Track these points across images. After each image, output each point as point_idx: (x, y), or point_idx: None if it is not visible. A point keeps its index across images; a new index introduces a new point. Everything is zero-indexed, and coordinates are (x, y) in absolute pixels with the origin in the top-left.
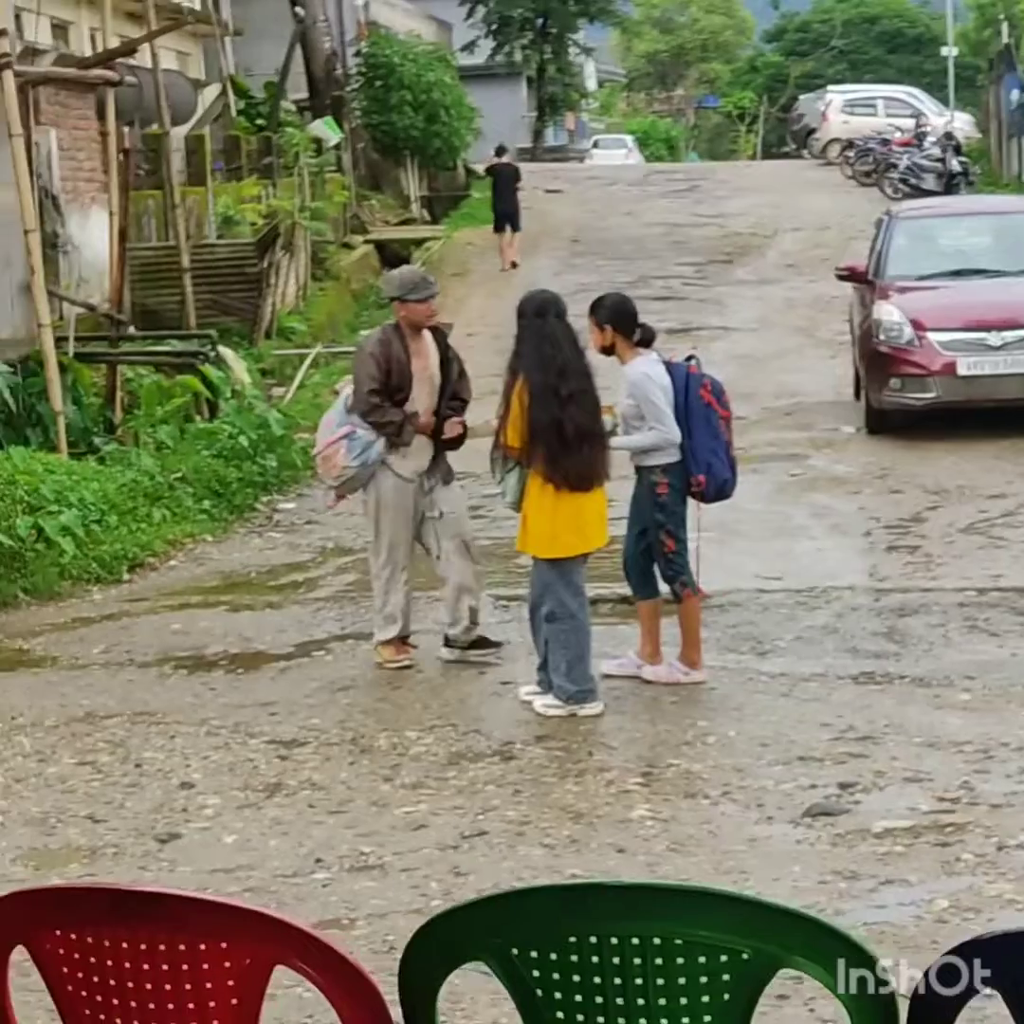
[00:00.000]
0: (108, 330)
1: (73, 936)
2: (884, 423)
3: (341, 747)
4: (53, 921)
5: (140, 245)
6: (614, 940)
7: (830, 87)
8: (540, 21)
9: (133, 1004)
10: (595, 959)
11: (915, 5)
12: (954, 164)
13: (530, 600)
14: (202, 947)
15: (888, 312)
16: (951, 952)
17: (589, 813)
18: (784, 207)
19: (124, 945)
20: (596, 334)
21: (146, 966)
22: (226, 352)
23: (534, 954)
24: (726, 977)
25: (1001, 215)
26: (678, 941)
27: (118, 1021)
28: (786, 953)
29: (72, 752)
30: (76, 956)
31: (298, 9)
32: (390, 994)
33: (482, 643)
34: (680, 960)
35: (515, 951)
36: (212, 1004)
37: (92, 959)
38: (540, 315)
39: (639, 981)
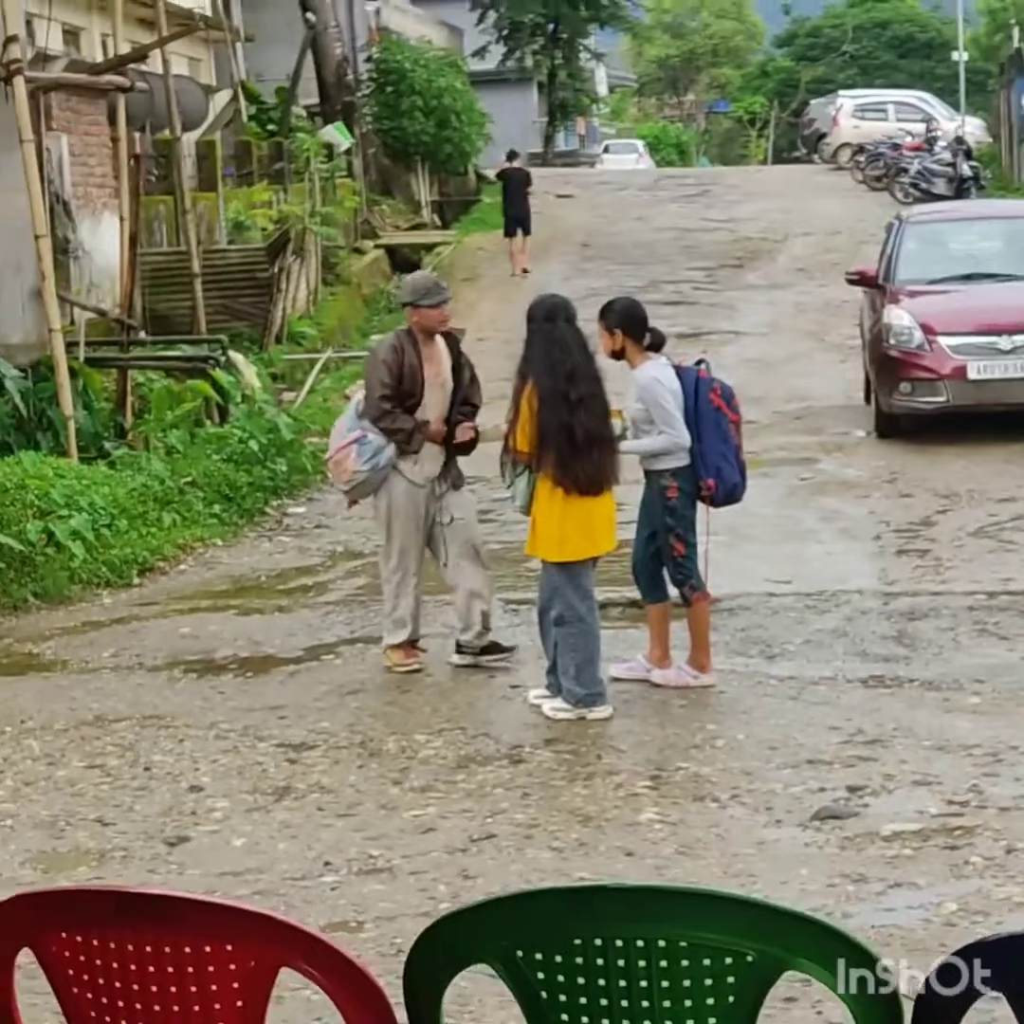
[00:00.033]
0: (119, 335)
1: (78, 938)
2: (894, 427)
3: (350, 750)
4: (58, 923)
5: (151, 250)
6: (619, 942)
7: (841, 92)
8: (551, 26)
9: (138, 1006)
10: (600, 961)
11: (926, 10)
12: (965, 168)
13: (539, 604)
14: (207, 949)
15: (898, 316)
16: (953, 954)
17: (598, 816)
18: (795, 212)
19: (129, 947)
20: (606, 338)
21: (151, 968)
22: (236, 357)
23: (539, 956)
24: (731, 979)
25: (1012, 219)
26: (683, 943)
27: (123, 1023)
28: (790, 955)
29: (81, 755)
30: (81, 958)
31: (309, 15)
32: (399, 997)
33: (494, 649)
34: (685, 962)
35: (520, 953)
36: (217, 1006)
37: (97, 961)
38: (550, 319)
39: (644, 983)
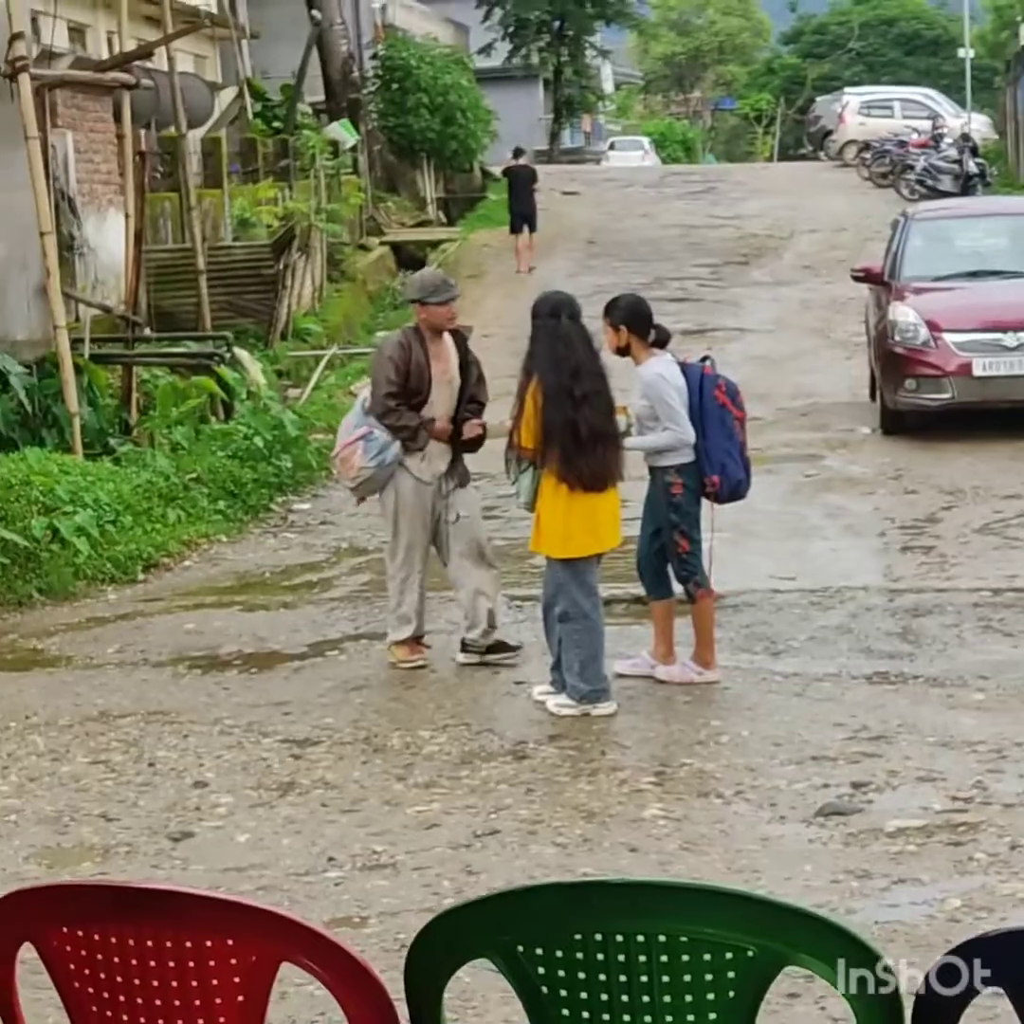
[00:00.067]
0: (124, 332)
1: (79, 933)
2: (899, 424)
3: (354, 746)
4: (60, 918)
5: (156, 247)
6: (619, 937)
7: (847, 89)
8: (557, 24)
9: (139, 1001)
10: (600, 956)
11: (932, 7)
12: (971, 165)
13: (544, 600)
14: (208, 944)
15: (904, 313)
16: (952, 952)
17: (602, 812)
18: (800, 209)
19: (130, 942)
20: (611, 335)
21: (152, 963)
22: (241, 353)
23: (539, 951)
24: (731, 974)
25: (1017, 216)
26: (683, 938)
27: (125, 1018)
28: (791, 951)
29: (86, 751)
30: (82, 953)
31: (315, 12)
32: (401, 992)
33: (500, 647)
34: (685, 957)
35: (520, 948)
36: (218, 1001)
37: (98, 956)
38: (554, 316)
39: (644, 978)
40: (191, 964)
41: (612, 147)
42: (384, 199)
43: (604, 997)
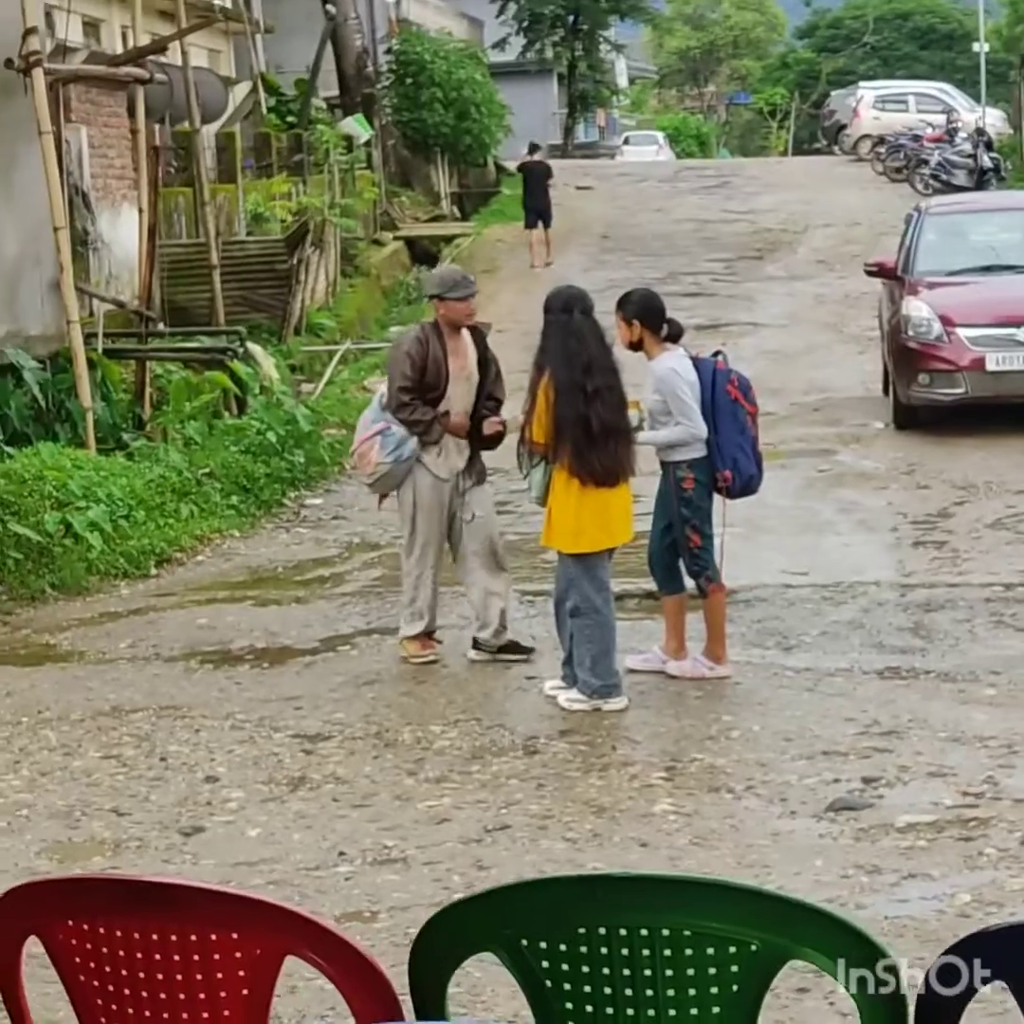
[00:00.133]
0: (137, 327)
1: (85, 927)
2: (913, 419)
3: (365, 741)
4: (65, 912)
5: (170, 242)
6: (623, 931)
7: (862, 83)
8: (571, 18)
9: (145, 994)
10: (604, 950)
11: (947, 1)
12: (985, 160)
13: (555, 595)
14: (213, 938)
15: (917, 308)
16: (953, 947)
17: (612, 807)
18: (815, 203)
19: (136, 936)
20: (623, 329)
21: (157, 956)
22: (255, 348)
23: (544, 945)
24: (735, 968)
25: None
26: (687, 932)
27: (130, 1011)
28: (795, 945)
29: (97, 746)
30: (88, 946)
31: (329, 6)
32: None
33: (512, 648)
34: (689, 951)
35: (525, 942)
36: (223, 994)
37: (104, 950)
38: (566, 311)
39: (648, 972)
40: (196, 957)
41: (626, 142)
42: (398, 194)
43: (608, 990)
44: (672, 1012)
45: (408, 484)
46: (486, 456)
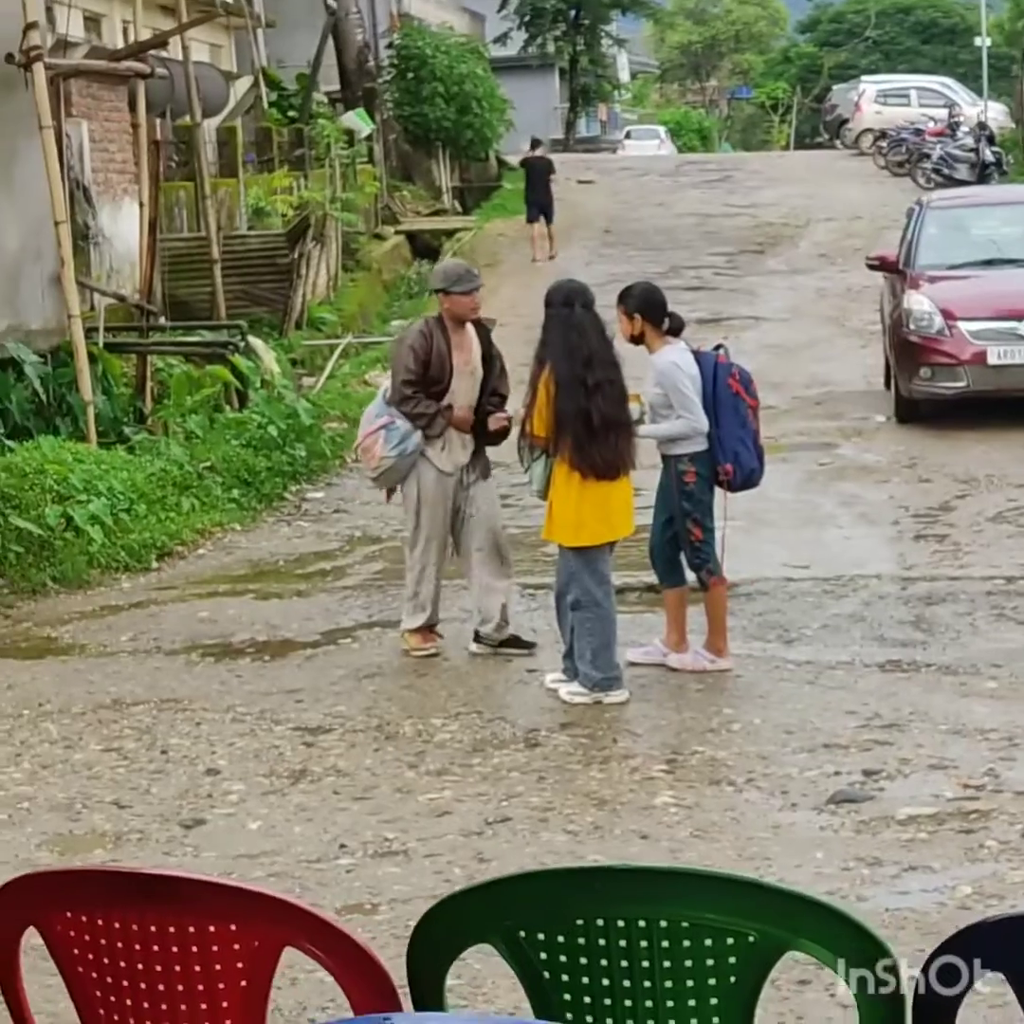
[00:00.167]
0: (138, 321)
1: (83, 918)
2: (914, 412)
3: (366, 734)
4: (63, 903)
5: (171, 236)
6: (621, 923)
7: (863, 77)
8: (573, 12)
9: (143, 985)
10: (602, 942)
11: None
12: (987, 154)
13: (556, 588)
14: (211, 929)
15: (918, 301)
16: (951, 939)
17: (613, 800)
18: (816, 197)
19: (134, 927)
20: (625, 323)
21: (156, 948)
22: (256, 342)
23: (541, 937)
24: (732, 959)
25: None
26: (684, 924)
27: (128, 1002)
28: (792, 936)
29: (98, 739)
30: (86, 938)
31: (331, 1)
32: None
33: (514, 642)
34: (686, 942)
35: (522, 933)
36: (221, 986)
37: (102, 941)
38: (567, 304)
39: (645, 963)
40: (194, 949)
41: (628, 136)
42: (399, 188)
43: (606, 982)
44: (670, 1003)
45: (412, 478)
46: (487, 450)
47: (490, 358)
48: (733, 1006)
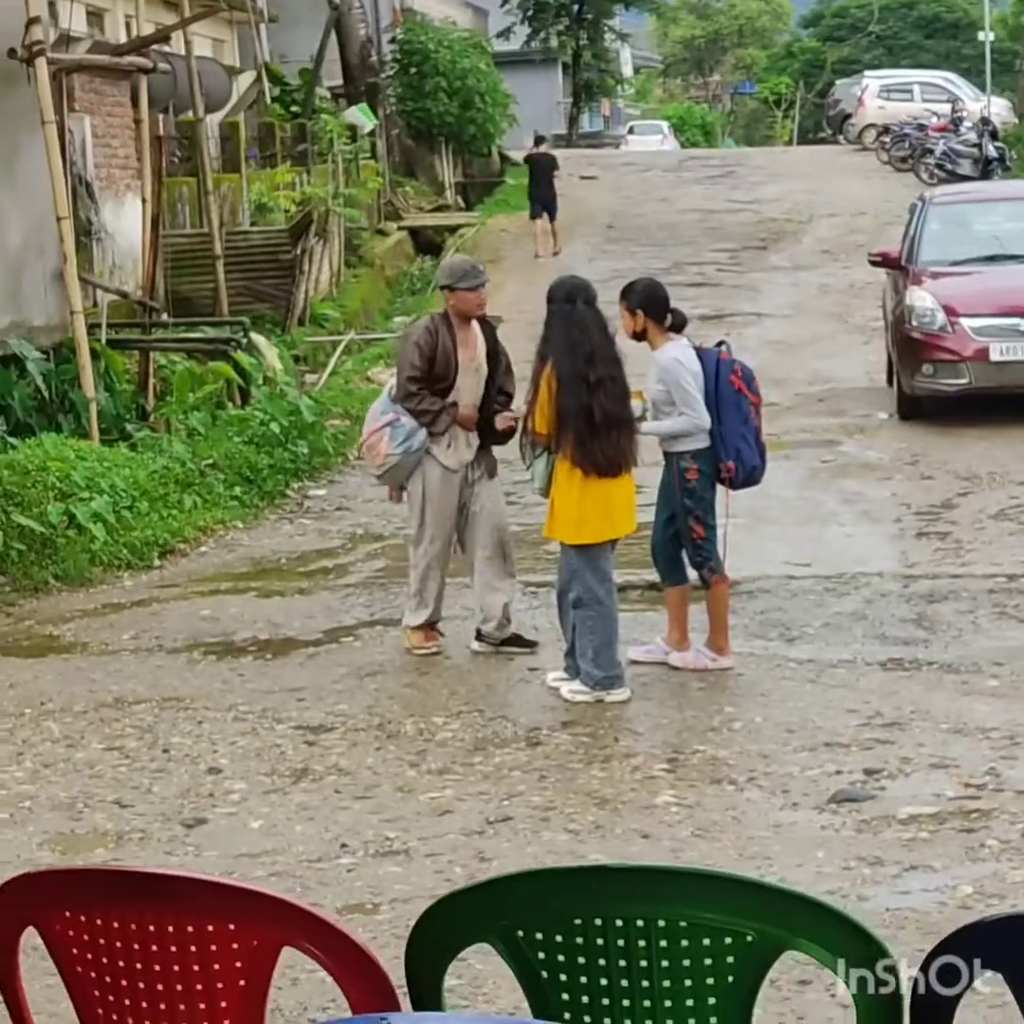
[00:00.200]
0: (141, 317)
1: (82, 917)
2: (916, 409)
3: (368, 733)
4: (62, 903)
5: (174, 232)
6: (619, 922)
7: (866, 72)
8: (576, 7)
9: (141, 985)
10: (600, 941)
11: None
12: (990, 149)
13: (558, 586)
14: (210, 928)
15: (921, 298)
16: (949, 937)
17: (614, 799)
18: (819, 193)
19: (132, 926)
20: (627, 319)
21: (154, 947)
22: (258, 339)
23: (539, 936)
24: (730, 959)
25: None
26: (683, 923)
27: (127, 1002)
28: (791, 936)
29: (100, 737)
30: (85, 937)
31: None
32: None
33: (516, 641)
34: (684, 942)
35: (521, 933)
36: (219, 985)
37: (101, 940)
38: (569, 301)
39: (644, 963)
40: (192, 948)
41: (631, 131)
42: (402, 184)
43: (604, 981)
44: (668, 1003)
45: (417, 476)
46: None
47: (495, 355)
48: (731, 1006)
